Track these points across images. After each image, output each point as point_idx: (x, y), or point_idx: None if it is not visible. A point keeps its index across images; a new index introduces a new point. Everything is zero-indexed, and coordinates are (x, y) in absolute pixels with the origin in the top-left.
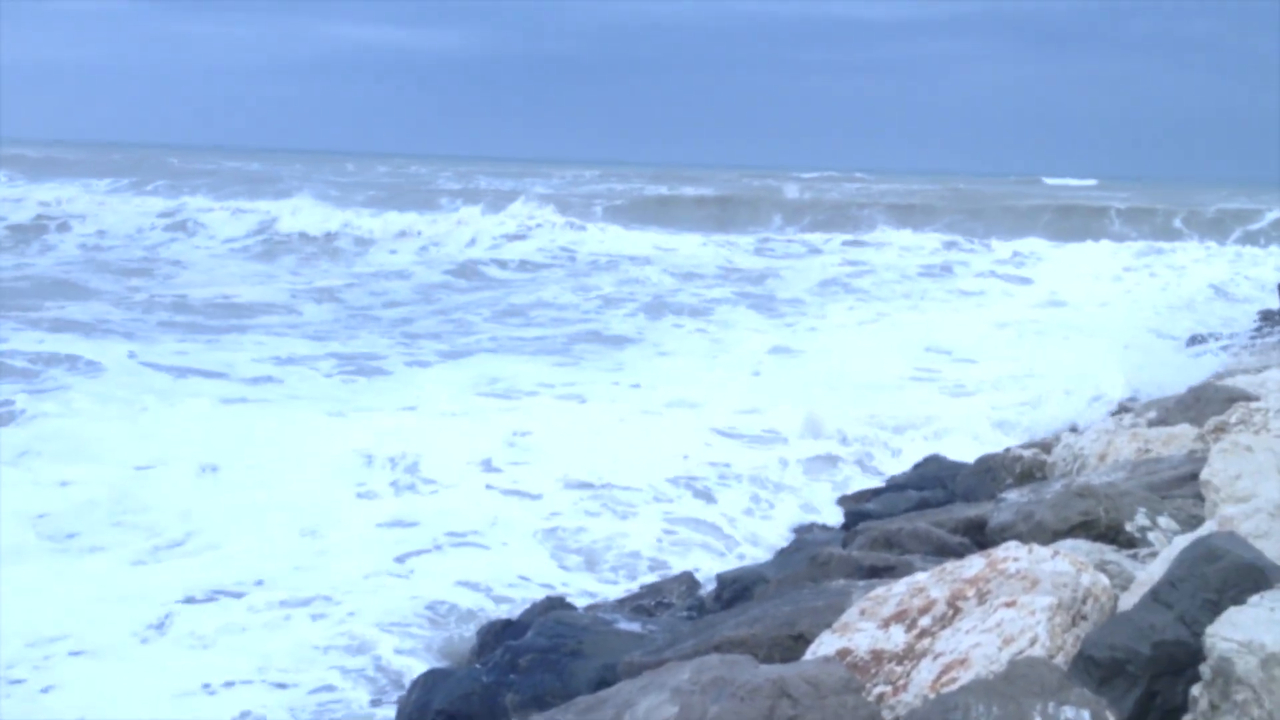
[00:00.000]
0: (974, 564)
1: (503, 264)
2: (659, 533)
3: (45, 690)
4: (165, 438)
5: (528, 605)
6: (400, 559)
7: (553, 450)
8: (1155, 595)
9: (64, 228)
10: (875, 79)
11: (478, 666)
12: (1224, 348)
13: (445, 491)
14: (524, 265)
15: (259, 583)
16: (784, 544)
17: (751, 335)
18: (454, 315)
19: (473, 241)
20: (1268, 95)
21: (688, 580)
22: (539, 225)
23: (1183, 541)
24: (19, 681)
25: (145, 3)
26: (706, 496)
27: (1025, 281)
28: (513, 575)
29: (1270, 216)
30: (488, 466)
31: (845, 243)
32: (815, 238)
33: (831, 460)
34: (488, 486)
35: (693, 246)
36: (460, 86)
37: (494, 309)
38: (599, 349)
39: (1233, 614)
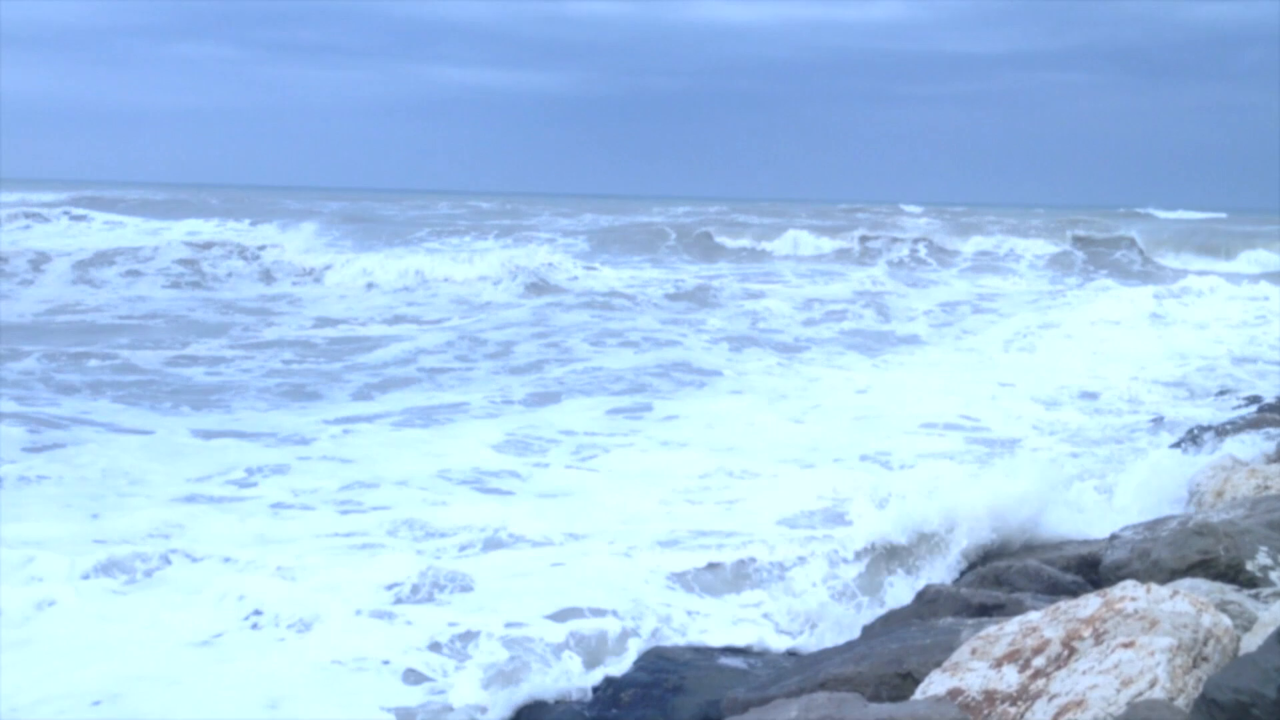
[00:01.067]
0: (1090, 603)
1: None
2: None
3: None
4: None
5: None
6: None
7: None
8: None
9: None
10: (981, 111)
11: (578, 701)
12: None
13: None
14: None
15: None
16: None
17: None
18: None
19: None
20: None
21: None
22: None
23: None
24: None
25: (253, 49)
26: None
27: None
28: None
29: None
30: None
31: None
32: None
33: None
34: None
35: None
36: (563, 126)
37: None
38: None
39: None
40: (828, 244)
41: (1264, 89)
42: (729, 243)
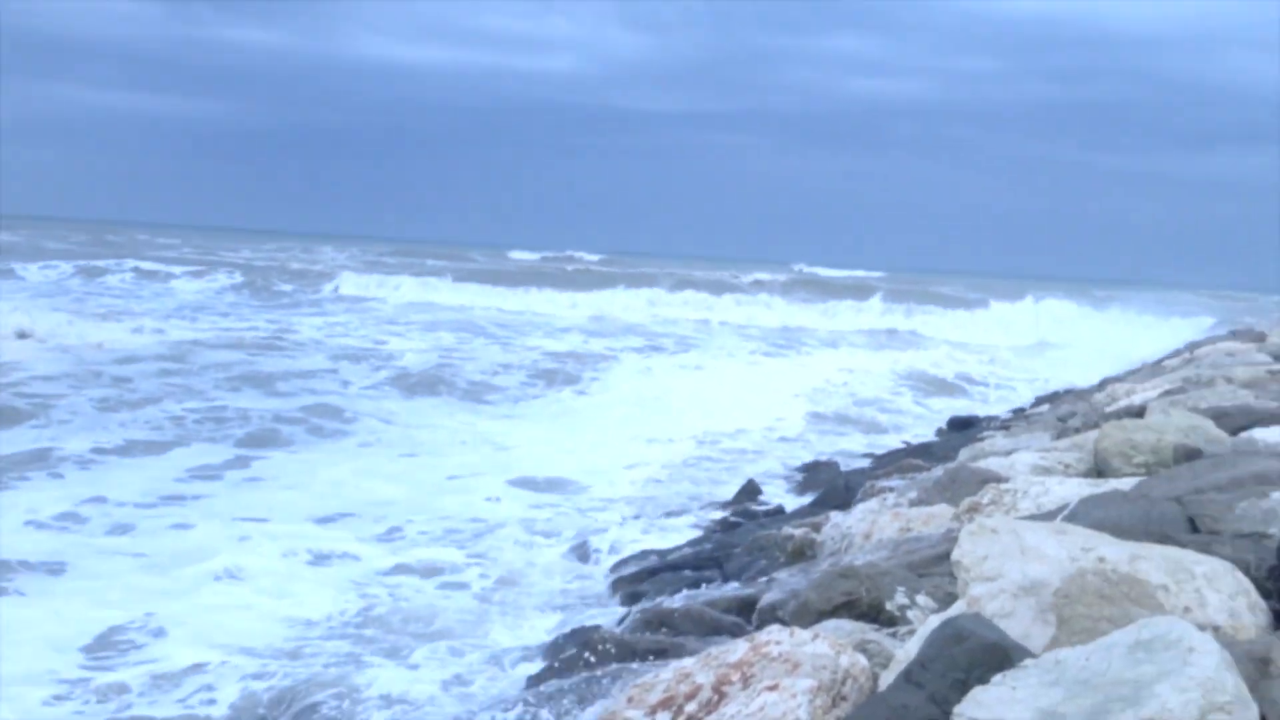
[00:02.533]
0: (739, 648)
1: None
2: None
3: None
4: None
5: None
6: None
7: None
8: (908, 675)
9: None
10: (654, 166)
11: None
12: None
13: None
14: None
15: None
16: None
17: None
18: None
19: None
20: (1017, 194)
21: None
22: None
23: (936, 621)
24: None
25: None
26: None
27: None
28: None
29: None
30: None
31: None
32: None
33: None
34: None
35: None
36: (216, 155)
37: None
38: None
39: (978, 693)
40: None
41: (914, 156)
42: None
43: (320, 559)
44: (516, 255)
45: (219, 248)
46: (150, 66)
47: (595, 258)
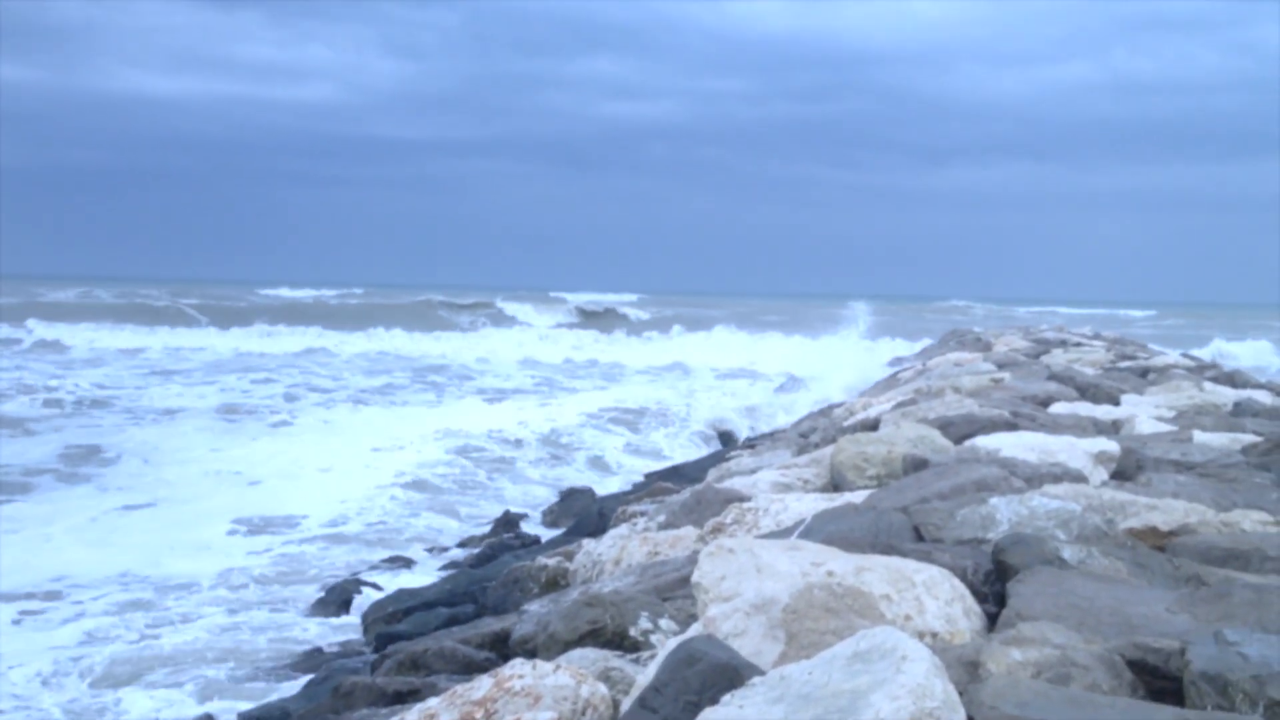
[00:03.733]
0: (483, 684)
1: None
2: None
3: None
4: None
5: None
6: None
7: None
8: (643, 701)
9: None
10: (412, 195)
11: None
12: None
13: None
14: None
15: None
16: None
17: None
18: None
19: None
20: (768, 209)
21: None
22: None
23: (674, 644)
24: None
25: None
26: None
27: None
28: None
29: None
30: None
31: None
32: None
33: None
34: None
35: None
36: None
37: None
38: None
39: (708, 714)
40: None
41: (667, 178)
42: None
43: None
44: (270, 292)
45: None
46: None
47: (359, 290)
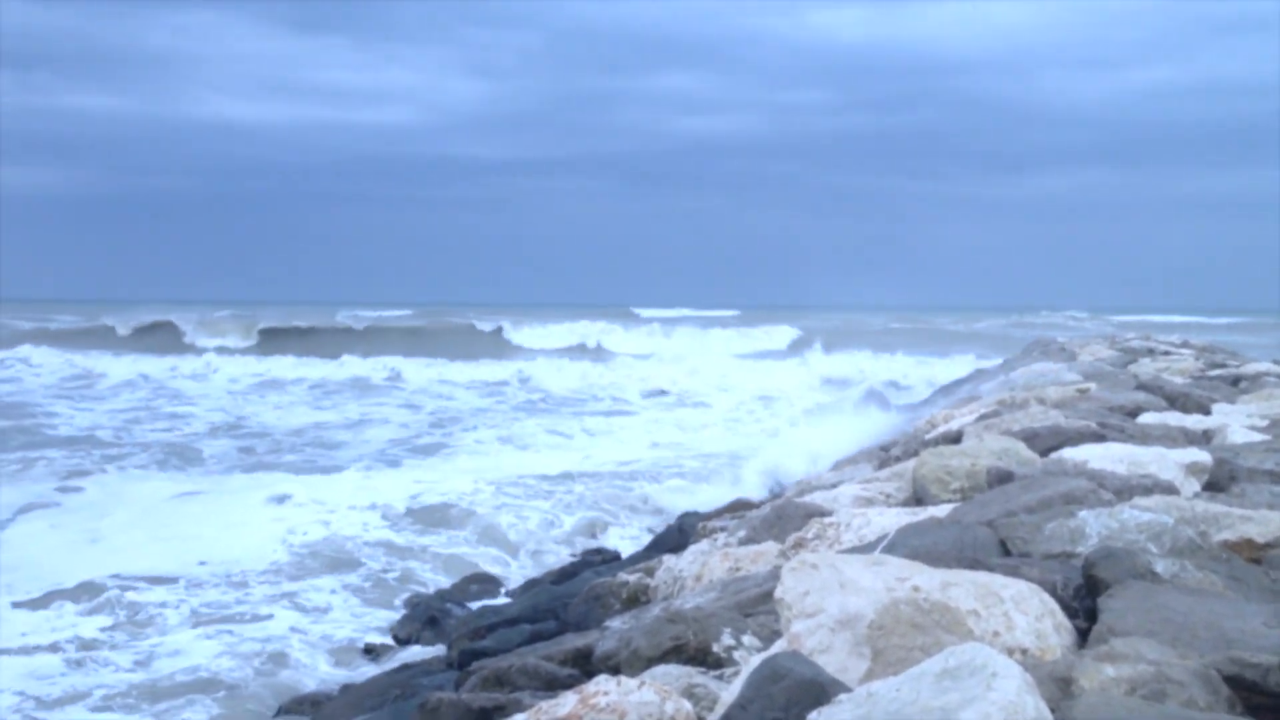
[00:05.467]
0: (568, 701)
1: None
2: None
3: None
4: None
5: None
6: None
7: None
8: (728, 718)
9: None
10: (483, 215)
11: None
12: None
13: None
14: None
15: None
16: None
17: None
18: None
19: None
20: (844, 223)
21: None
22: None
23: (758, 660)
24: None
25: None
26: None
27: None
28: None
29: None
30: None
31: None
32: None
33: None
34: None
35: None
36: (53, 226)
37: None
38: None
39: None
40: None
41: (742, 192)
42: None
43: None
44: (350, 313)
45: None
46: None
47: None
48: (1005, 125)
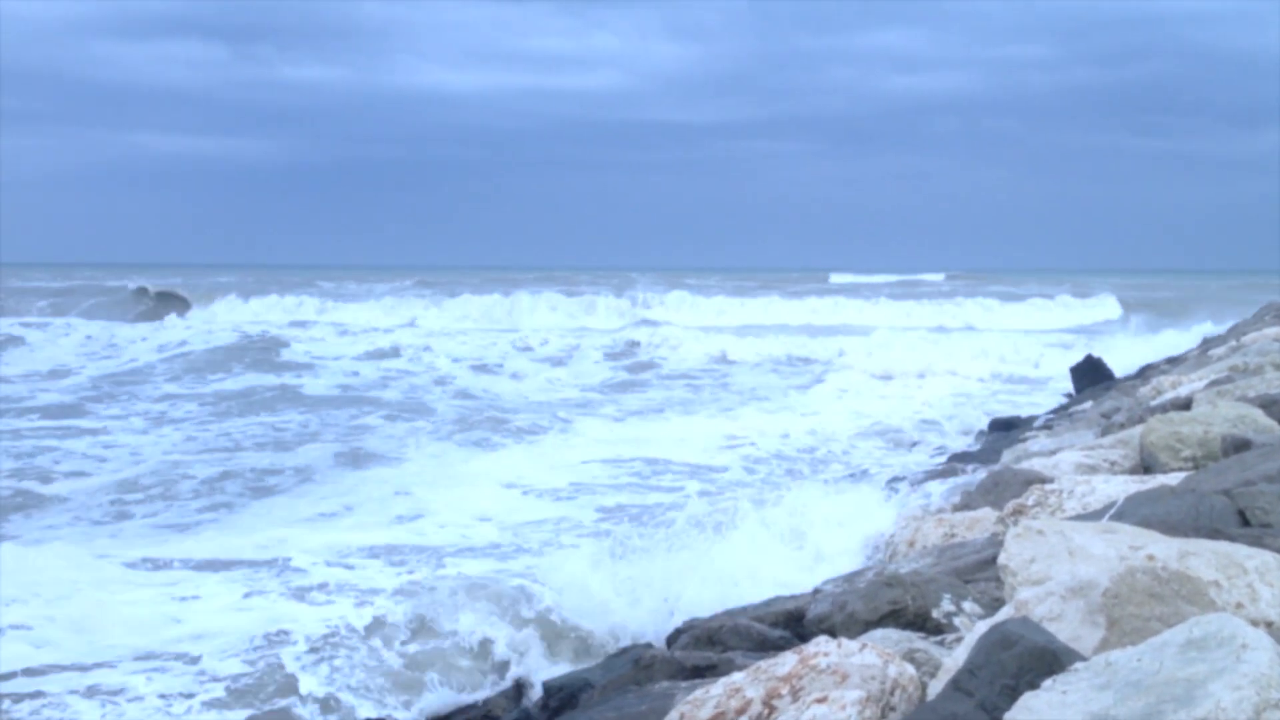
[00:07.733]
0: (787, 661)
1: None
2: None
3: None
4: None
5: None
6: None
7: None
8: (956, 684)
9: None
10: (693, 178)
11: None
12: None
13: None
14: None
15: None
16: None
17: None
18: None
19: None
20: (1064, 183)
21: (515, 689)
22: None
23: (984, 626)
24: None
25: None
26: None
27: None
28: None
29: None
30: None
31: None
32: None
33: None
34: None
35: None
36: (277, 194)
37: None
38: None
39: (1028, 699)
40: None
41: (955, 152)
42: None
43: None
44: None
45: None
46: (217, 110)
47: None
48: (1237, 77)
